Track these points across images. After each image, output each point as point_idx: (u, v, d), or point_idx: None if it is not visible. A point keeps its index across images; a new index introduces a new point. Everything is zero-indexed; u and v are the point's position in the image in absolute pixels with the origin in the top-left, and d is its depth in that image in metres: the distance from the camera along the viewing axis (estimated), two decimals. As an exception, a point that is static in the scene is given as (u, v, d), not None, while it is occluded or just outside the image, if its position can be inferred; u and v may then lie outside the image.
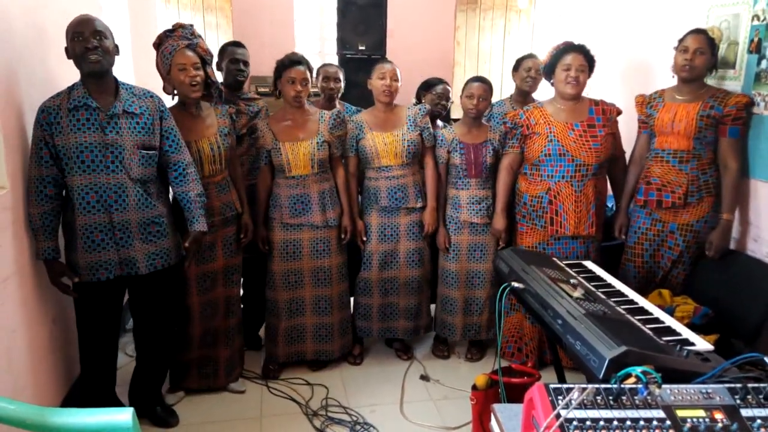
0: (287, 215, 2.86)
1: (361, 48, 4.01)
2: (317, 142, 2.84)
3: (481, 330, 3.17)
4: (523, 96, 3.49)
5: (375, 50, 4.03)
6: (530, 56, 3.51)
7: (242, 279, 3.10)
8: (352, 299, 3.17)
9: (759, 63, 2.65)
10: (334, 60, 4.28)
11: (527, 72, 3.43)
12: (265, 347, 3.09)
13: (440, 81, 3.34)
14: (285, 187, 2.87)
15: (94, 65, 2.15)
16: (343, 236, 2.97)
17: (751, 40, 2.70)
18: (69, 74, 2.27)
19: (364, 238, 3.03)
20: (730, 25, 2.83)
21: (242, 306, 3.36)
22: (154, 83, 2.75)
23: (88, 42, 2.12)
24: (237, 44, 3.21)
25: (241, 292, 2.96)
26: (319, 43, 5.93)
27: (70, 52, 2.18)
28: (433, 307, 3.31)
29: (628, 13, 3.75)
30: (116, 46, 2.24)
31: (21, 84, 2.24)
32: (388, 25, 4.10)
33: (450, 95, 3.37)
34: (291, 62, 2.79)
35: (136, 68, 3.66)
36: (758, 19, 2.67)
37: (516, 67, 3.54)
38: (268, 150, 2.85)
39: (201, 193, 2.48)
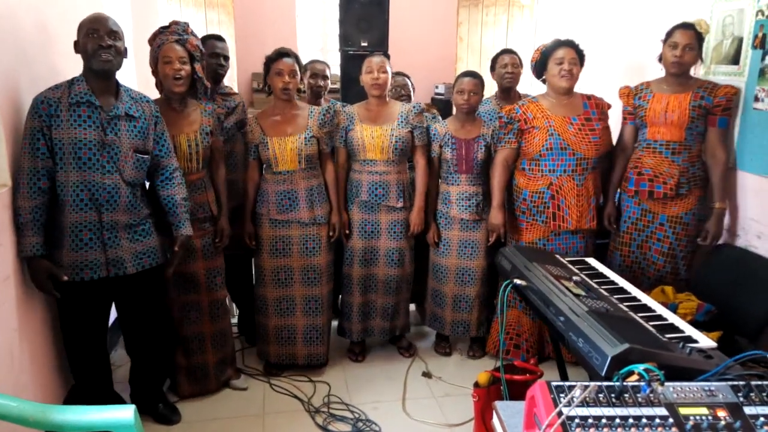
0: (274, 211, 2.84)
1: (363, 44, 3.99)
2: (305, 138, 2.82)
3: (471, 327, 3.16)
4: (506, 93, 3.47)
5: (377, 46, 4.01)
6: (504, 52, 3.48)
7: (241, 275, 3.10)
8: (340, 297, 3.18)
9: (763, 58, 2.64)
10: (336, 56, 4.27)
11: (504, 68, 3.40)
12: (257, 346, 3.07)
13: (397, 73, 3.38)
14: (272, 182, 2.84)
15: (105, 63, 2.14)
16: (331, 234, 2.94)
17: (756, 36, 2.68)
18: (72, 72, 2.26)
19: (347, 232, 3.01)
20: (735, 20, 2.82)
21: (242, 303, 3.37)
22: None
23: (102, 40, 2.12)
24: (217, 38, 3.19)
25: (227, 294, 2.91)
26: (321, 39, 5.93)
27: (80, 47, 2.17)
28: (412, 307, 3.31)
29: (632, 7, 3.73)
30: (126, 49, 2.24)
31: (24, 82, 2.24)
32: (391, 21, 4.09)
33: (408, 83, 3.43)
34: (279, 55, 2.78)
35: (138, 66, 3.65)
36: (763, 14, 2.65)
37: (492, 67, 3.51)
38: (256, 144, 2.83)
39: (186, 197, 2.47)
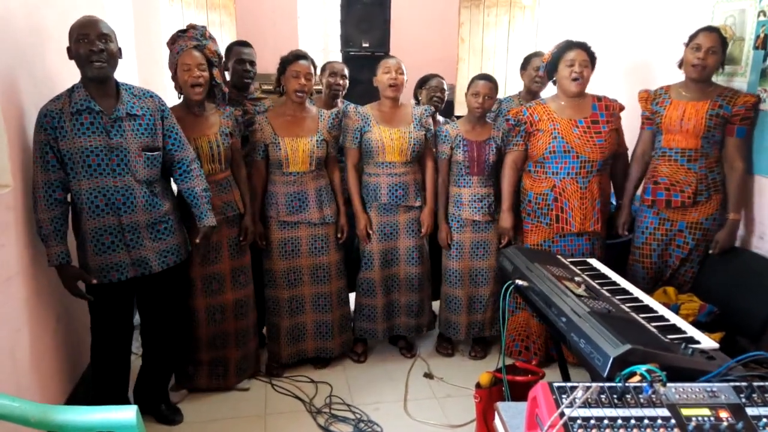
0: (284, 213, 2.85)
1: (364, 45, 4.00)
2: (317, 140, 2.84)
3: (485, 327, 3.17)
4: (533, 95, 3.44)
5: (378, 47, 4.02)
6: (539, 54, 3.45)
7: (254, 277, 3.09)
8: (351, 297, 3.17)
9: (765, 59, 2.63)
10: (338, 57, 4.27)
11: (536, 71, 3.36)
12: (268, 347, 3.08)
13: (434, 75, 3.36)
14: (281, 184, 2.85)
15: (99, 70, 2.13)
16: (339, 235, 2.97)
17: (757, 36, 2.68)
18: (70, 74, 2.27)
19: (370, 231, 3.01)
20: (736, 20, 2.81)
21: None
22: (158, 82, 2.76)
23: (93, 45, 2.10)
24: (243, 44, 3.20)
25: (252, 291, 2.93)
26: (322, 40, 5.93)
27: (72, 53, 2.15)
28: (435, 304, 3.30)
29: (633, 8, 3.73)
30: (119, 49, 2.23)
31: (23, 83, 2.24)
32: (392, 21, 4.09)
33: (445, 87, 3.39)
34: (295, 57, 2.80)
35: (140, 67, 3.66)
36: (764, 14, 2.65)
37: (524, 66, 3.49)
38: (265, 144, 2.83)
39: (206, 188, 2.48)
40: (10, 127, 2.12)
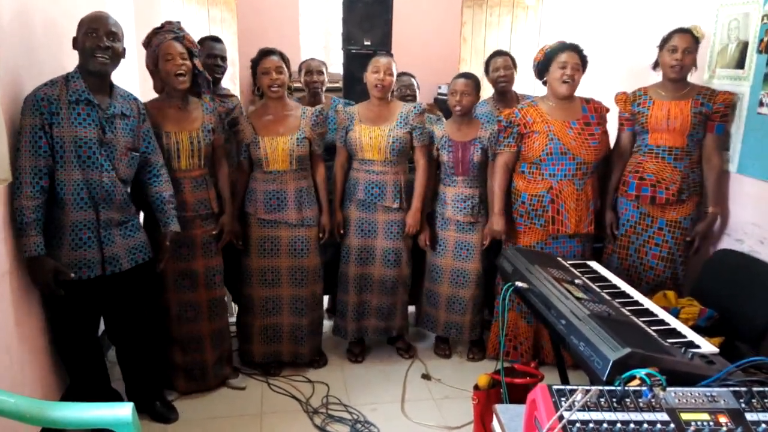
0: (262, 210, 2.82)
1: (366, 43, 3.98)
2: (297, 138, 2.81)
3: (464, 329, 3.14)
4: (502, 95, 3.44)
5: (380, 46, 4.00)
6: (496, 54, 3.46)
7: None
8: (327, 298, 3.18)
9: (768, 63, 2.63)
10: (339, 55, 4.26)
11: (496, 71, 3.38)
12: (240, 346, 3.05)
13: (403, 73, 3.40)
14: (262, 182, 2.83)
15: (101, 66, 2.15)
16: (321, 235, 2.94)
17: (761, 40, 2.67)
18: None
19: (342, 231, 3.00)
20: (740, 24, 2.81)
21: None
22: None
23: (100, 40, 2.12)
24: (214, 39, 3.21)
25: (225, 292, 2.90)
26: (324, 37, 5.93)
27: (78, 44, 2.17)
28: (411, 309, 3.30)
29: (636, 10, 3.72)
30: (124, 50, 2.24)
31: (28, 80, 2.23)
32: (394, 20, 4.09)
33: (413, 83, 3.45)
34: (262, 54, 2.80)
35: (140, 63, 3.64)
36: (768, 18, 2.64)
37: (486, 70, 3.49)
38: (247, 144, 2.82)
39: (173, 194, 2.50)
40: (11, 122, 2.10)
